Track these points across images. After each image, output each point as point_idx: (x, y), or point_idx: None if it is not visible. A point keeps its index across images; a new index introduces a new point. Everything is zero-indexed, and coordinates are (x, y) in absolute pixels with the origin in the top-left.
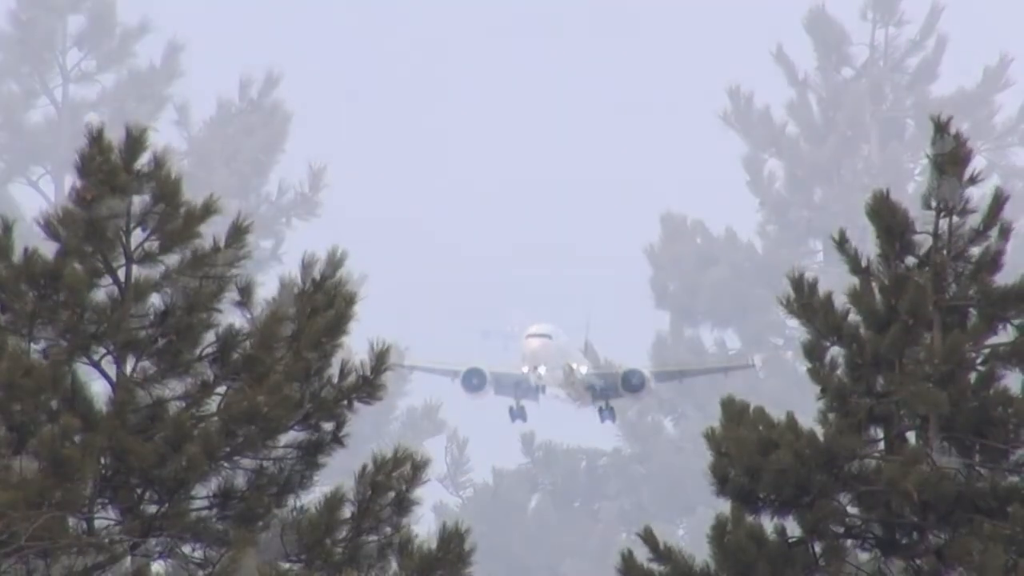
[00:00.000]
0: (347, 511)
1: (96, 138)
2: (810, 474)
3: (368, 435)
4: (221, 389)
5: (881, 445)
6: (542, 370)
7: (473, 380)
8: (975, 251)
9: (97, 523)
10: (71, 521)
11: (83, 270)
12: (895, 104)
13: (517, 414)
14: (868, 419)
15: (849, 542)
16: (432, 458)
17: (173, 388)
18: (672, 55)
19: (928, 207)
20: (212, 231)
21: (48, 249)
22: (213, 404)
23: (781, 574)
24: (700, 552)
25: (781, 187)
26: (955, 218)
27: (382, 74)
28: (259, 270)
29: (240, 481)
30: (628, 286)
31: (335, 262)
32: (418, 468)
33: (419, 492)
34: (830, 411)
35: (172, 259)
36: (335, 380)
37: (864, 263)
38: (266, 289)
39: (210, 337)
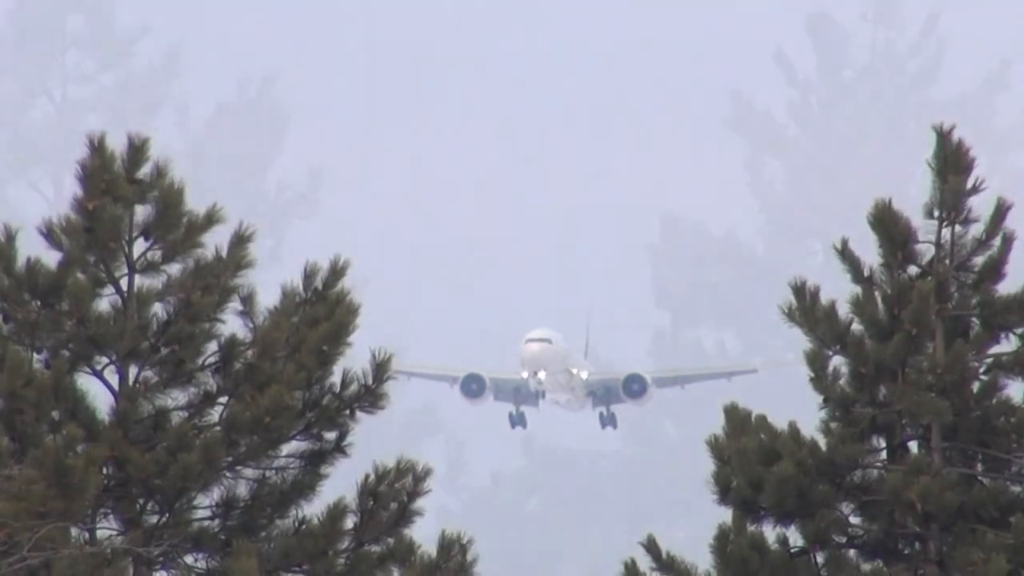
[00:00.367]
0: (349, 521)
1: (98, 148)
2: (812, 483)
3: (365, 434)
4: (223, 399)
5: (884, 455)
6: (542, 375)
7: (472, 386)
8: (978, 260)
9: (99, 533)
10: (73, 531)
11: (86, 279)
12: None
13: (517, 420)
14: (871, 428)
15: (852, 552)
16: (433, 468)
17: (175, 398)
18: (673, 54)
19: (931, 216)
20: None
21: (50, 259)
22: (215, 414)
23: None
24: (701, 557)
25: (782, 188)
26: (958, 227)
27: (372, 76)
28: (258, 270)
29: (242, 491)
30: (629, 285)
31: (337, 271)
32: (419, 479)
33: (421, 502)
34: (833, 420)
35: (174, 268)
36: (337, 389)
37: (867, 272)
38: (265, 291)
39: (212, 347)
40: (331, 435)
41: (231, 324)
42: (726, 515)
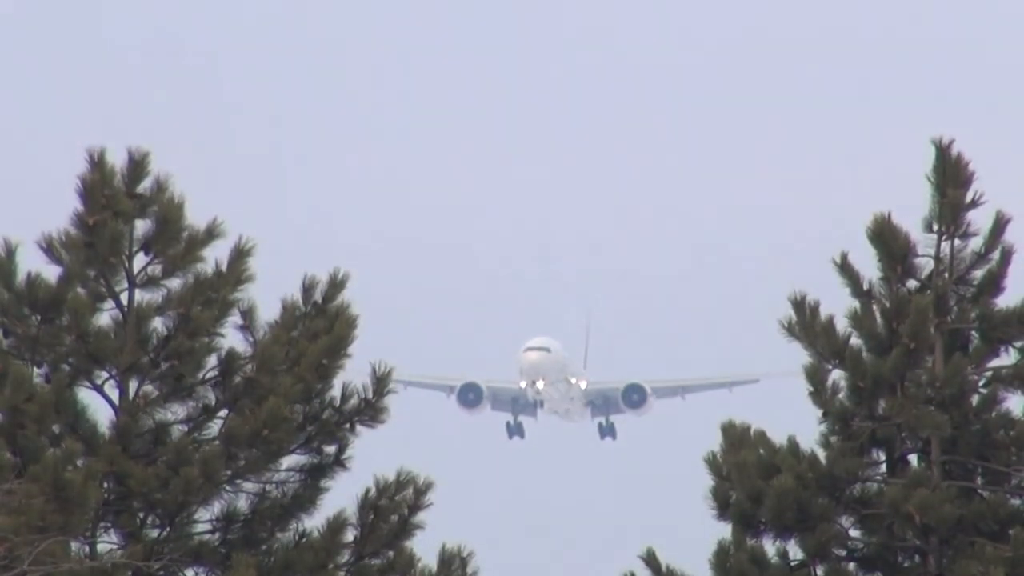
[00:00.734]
0: (350, 534)
1: (98, 163)
2: (812, 497)
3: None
4: (223, 412)
5: (883, 468)
6: (540, 384)
7: (469, 395)
8: (977, 274)
9: (100, 547)
10: (74, 545)
11: (86, 294)
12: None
13: (515, 430)
14: (870, 442)
15: (851, 565)
16: (434, 481)
17: (175, 412)
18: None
19: (930, 230)
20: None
21: (50, 273)
22: (215, 427)
23: None
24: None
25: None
26: (957, 241)
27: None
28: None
29: (243, 504)
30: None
31: (337, 283)
32: (420, 492)
33: (422, 515)
34: (832, 434)
35: (174, 283)
36: (337, 402)
37: (866, 286)
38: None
39: (212, 360)
40: (331, 448)
41: (231, 338)
42: (716, 527)
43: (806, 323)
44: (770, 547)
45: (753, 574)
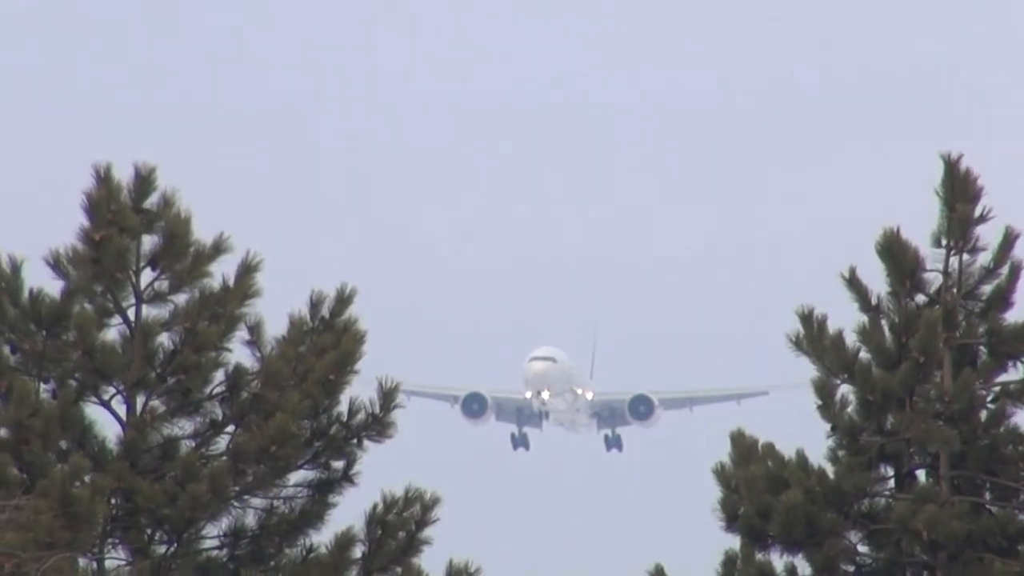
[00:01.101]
0: (358, 550)
1: (104, 178)
2: (820, 512)
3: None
4: (230, 428)
5: (891, 483)
6: (545, 395)
7: (473, 405)
8: (985, 289)
9: (108, 563)
10: (81, 561)
11: (92, 310)
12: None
13: (520, 441)
14: (878, 457)
15: None
16: (441, 497)
17: (183, 427)
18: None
19: (938, 244)
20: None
21: (55, 288)
22: (223, 443)
23: None
24: None
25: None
26: (965, 256)
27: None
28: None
29: (251, 520)
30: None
31: (344, 299)
32: (427, 508)
33: (429, 531)
34: (840, 449)
35: (181, 298)
36: (344, 418)
37: (874, 300)
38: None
39: (219, 376)
40: (339, 464)
41: (238, 353)
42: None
43: (814, 337)
44: (778, 562)
45: None
